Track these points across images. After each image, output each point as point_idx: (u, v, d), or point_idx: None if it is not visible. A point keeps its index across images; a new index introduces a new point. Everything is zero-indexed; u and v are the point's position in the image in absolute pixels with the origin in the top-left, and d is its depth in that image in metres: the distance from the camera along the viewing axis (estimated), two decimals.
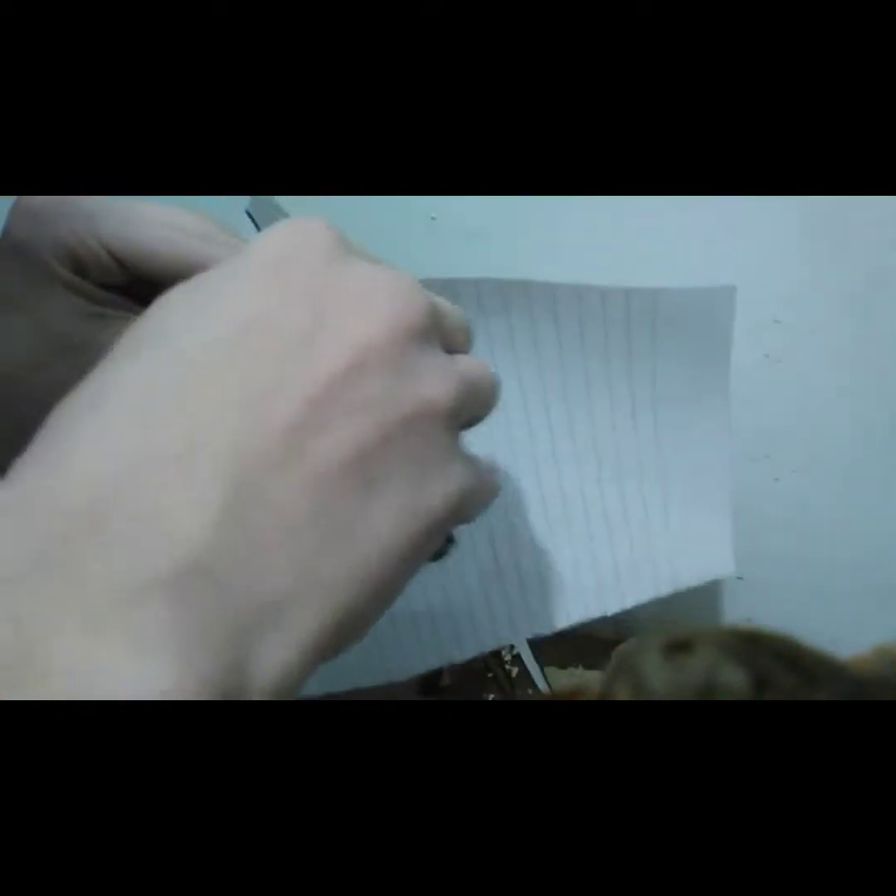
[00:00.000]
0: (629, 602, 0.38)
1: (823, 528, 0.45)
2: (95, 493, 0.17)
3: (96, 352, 0.31)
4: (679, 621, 0.49)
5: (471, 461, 0.23)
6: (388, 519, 0.20)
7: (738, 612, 0.47)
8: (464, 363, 0.23)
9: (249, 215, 0.38)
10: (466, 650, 0.36)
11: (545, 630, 0.37)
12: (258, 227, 0.37)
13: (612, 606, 0.38)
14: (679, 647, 0.19)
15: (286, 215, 0.38)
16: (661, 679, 0.18)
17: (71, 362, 0.30)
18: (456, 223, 0.45)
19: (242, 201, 0.38)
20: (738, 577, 0.48)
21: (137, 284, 0.32)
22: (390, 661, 0.36)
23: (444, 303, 0.24)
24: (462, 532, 0.34)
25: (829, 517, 0.45)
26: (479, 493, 0.23)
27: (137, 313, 0.32)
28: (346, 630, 0.19)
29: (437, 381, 0.22)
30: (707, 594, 0.50)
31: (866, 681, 0.18)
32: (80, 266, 0.30)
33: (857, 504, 0.44)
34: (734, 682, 0.18)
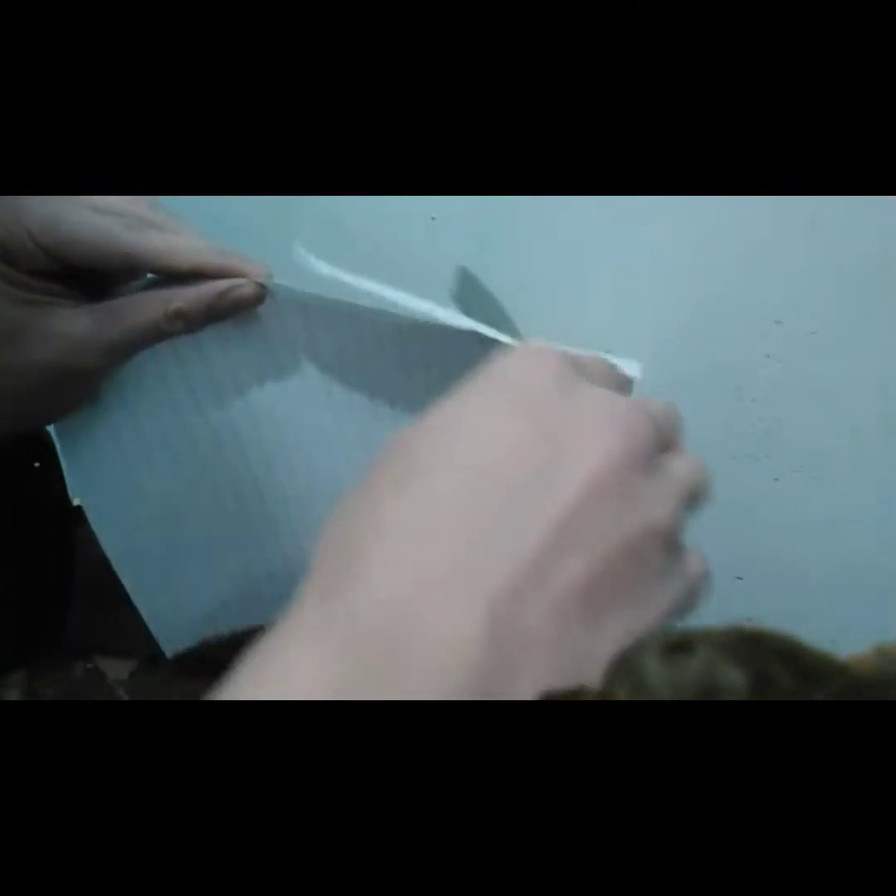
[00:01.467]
0: None
1: (823, 528, 0.45)
2: (390, 619, 0.20)
3: (33, 338, 0.32)
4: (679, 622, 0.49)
5: (690, 561, 0.25)
6: (617, 637, 0.22)
7: (738, 612, 0.47)
8: (682, 471, 0.25)
9: (455, 300, 0.38)
10: None
11: None
12: (463, 309, 0.37)
13: None
14: (679, 647, 0.19)
15: (496, 303, 0.38)
16: (660, 679, 0.18)
17: (6, 347, 0.32)
18: (456, 223, 0.45)
19: (243, 201, 0.38)
20: (738, 578, 0.48)
21: (69, 271, 0.32)
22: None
23: (658, 409, 0.26)
24: None
25: (829, 517, 0.45)
26: (697, 593, 0.25)
27: (70, 299, 0.34)
28: None
29: (660, 503, 0.24)
30: (707, 594, 0.50)
31: (866, 681, 0.18)
32: (8, 256, 0.31)
33: (857, 504, 0.44)
34: (734, 682, 0.18)
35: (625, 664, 0.19)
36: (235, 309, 0.34)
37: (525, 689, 0.20)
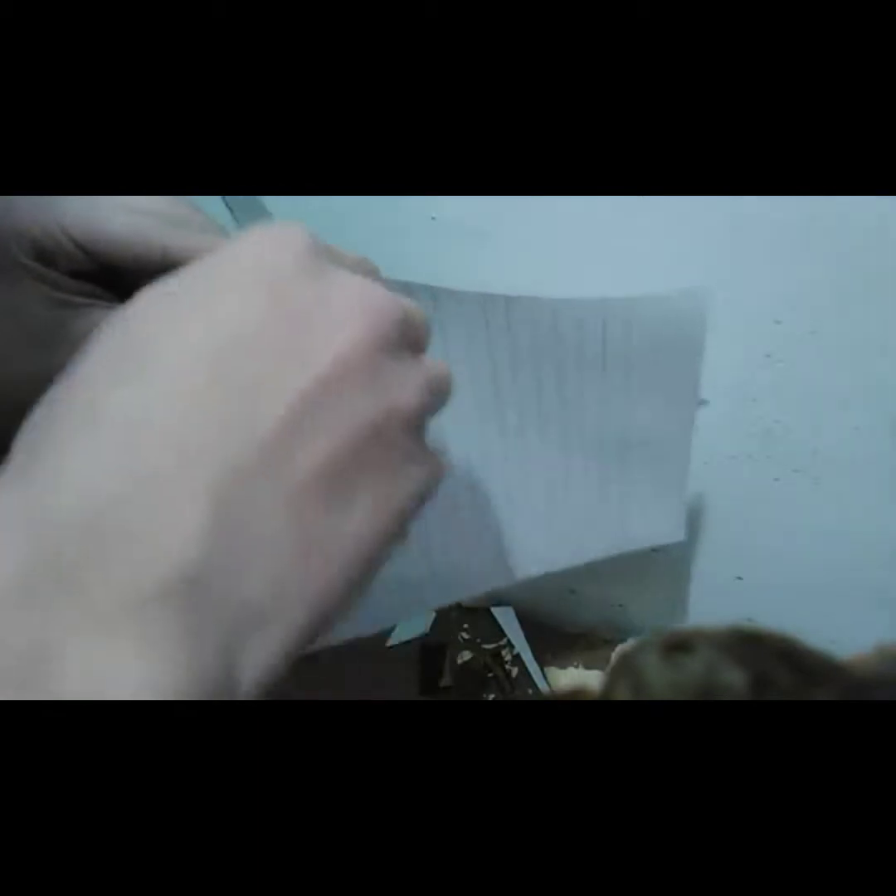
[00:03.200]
0: (580, 559, 0.42)
1: (823, 528, 0.45)
2: (91, 510, 0.18)
3: (68, 341, 0.31)
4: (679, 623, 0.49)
5: (432, 454, 0.24)
6: (360, 523, 0.21)
7: (738, 612, 0.47)
8: (427, 364, 0.24)
9: (227, 204, 0.38)
10: (430, 600, 0.40)
11: (502, 582, 0.40)
12: (235, 217, 0.37)
13: (562, 562, 0.42)
14: (679, 647, 0.19)
15: (263, 207, 0.38)
16: (661, 679, 0.18)
17: (41, 351, 0.31)
18: (456, 223, 0.45)
19: (244, 201, 0.38)
20: (738, 578, 0.48)
21: (107, 272, 0.32)
22: (357, 617, 0.39)
23: (410, 305, 0.25)
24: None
25: (828, 517, 0.45)
26: (438, 479, 0.24)
27: (108, 301, 0.33)
28: (323, 625, 0.20)
29: (405, 388, 0.23)
30: (707, 594, 0.50)
31: (866, 681, 0.18)
32: (45, 256, 0.30)
33: (857, 504, 0.44)
34: (734, 682, 0.18)
35: (625, 664, 0.19)
36: None
37: (256, 586, 0.19)
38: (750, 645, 0.19)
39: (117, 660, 0.17)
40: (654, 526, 0.43)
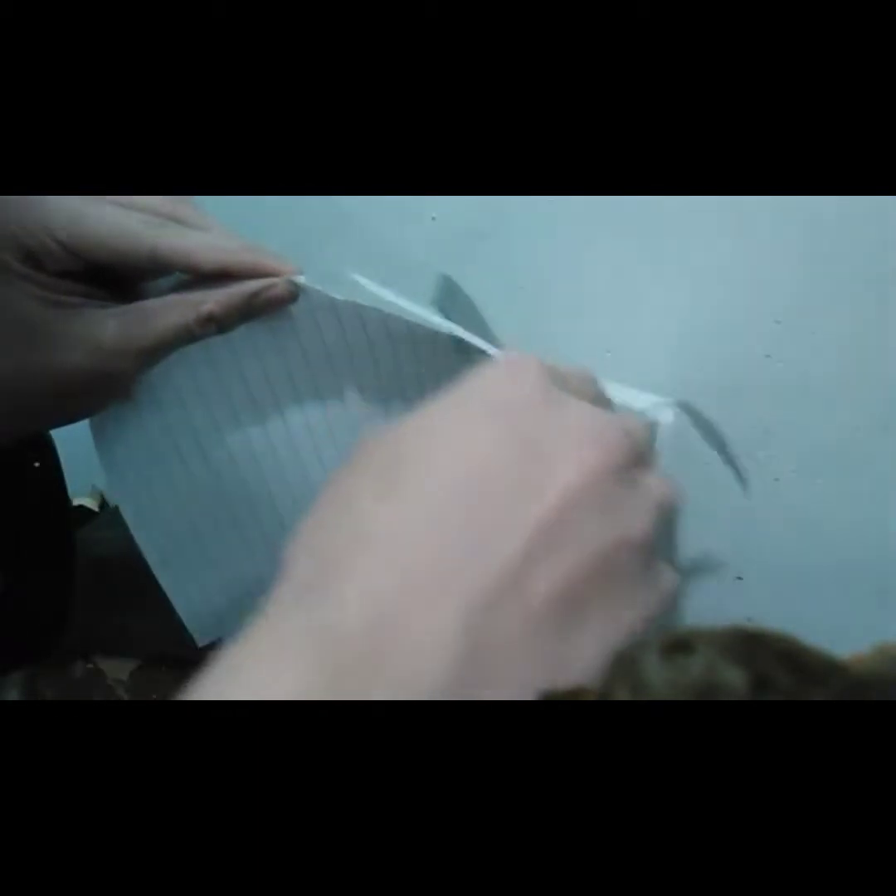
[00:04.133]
0: None
1: (823, 527, 0.45)
2: (367, 630, 0.20)
3: (61, 340, 0.31)
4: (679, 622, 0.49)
5: (662, 574, 0.25)
6: (590, 646, 0.22)
7: (738, 612, 0.47)
8: (655, 487, 0.26)
9: (440, 310, 0.38)
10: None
11: None
12: (447, 316, 0.38)
13: None
14: (679, 647, 0.19)
15: (475, 309, 0.38)
16: (660, 679, 0.18)
17: (33, 350, 0.31)
18: (456, 223, 0.45)
19: (243, 201, 0.38)
20: (738, 578, 0.48)
21: (97, 271, 0.32)
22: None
23: (634, 425, 0.26)
24: None
25: (829, 517, 0.45)
26: (669, 600, 0.26)
27: (100, 300, 0.33)
28: None
29: (635, 515, 0.24)
30: (707, 594, 0.49)
31: (866, 681, 0.18)
32: (32, 257, 0.30)
33: (858, 504, 0.44)
34: (734, 682, 0.18)
35: (625, 664, 0.19)
36: (268, 309, 0.34)
37: (499, 695, 0.20)
38: (750, 645, 0.19)
39: None
40: None
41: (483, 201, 0.43)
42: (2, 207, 0.30)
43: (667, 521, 0.26)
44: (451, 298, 0.38)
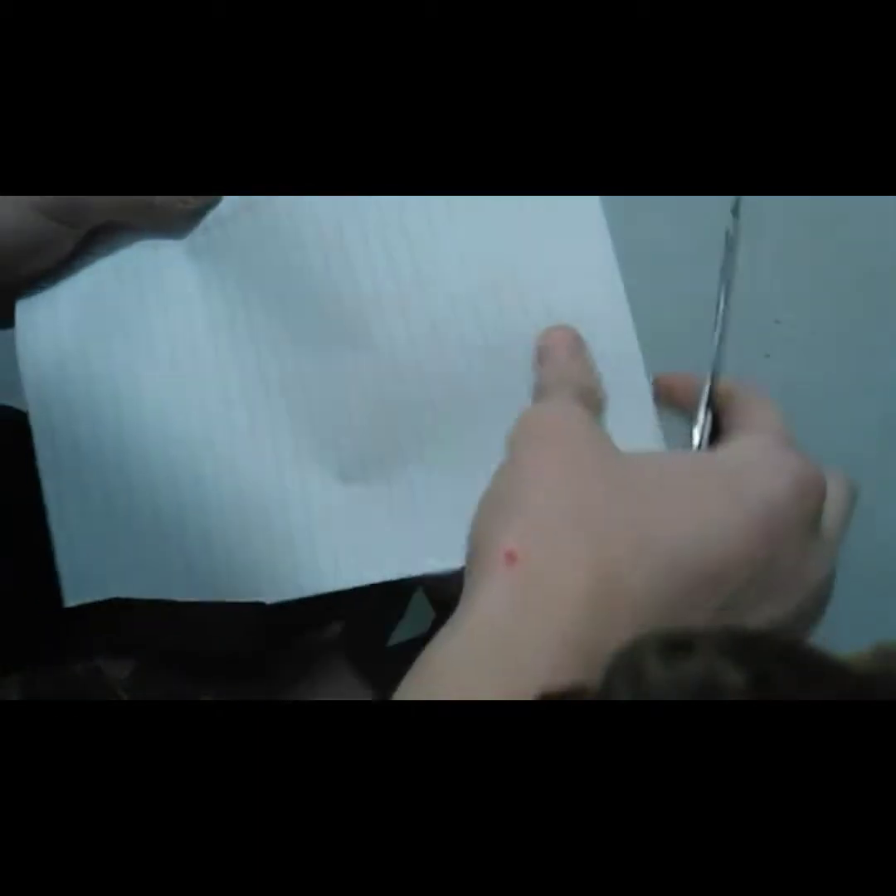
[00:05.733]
0: None
1: None
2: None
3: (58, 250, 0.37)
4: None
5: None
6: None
7: None
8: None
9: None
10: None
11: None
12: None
13: None
14: (679, 647, 0.19)
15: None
16: (660, 679, 0.18)
17: (36, 259, 0.37)
18: None
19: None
20: None
21: None
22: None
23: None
24: None
25: None
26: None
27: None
28: None
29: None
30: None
31: (866, 681, 0.18)
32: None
33: (857, 504, 0.44)
34: (734, 682, 0.18)
35: (624, 664, 0.19)
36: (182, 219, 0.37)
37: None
38: (750, 645, 0.19)
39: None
40: (627, 433, 0.40)
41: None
42: None
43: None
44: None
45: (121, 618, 0.46)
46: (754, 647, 0.19)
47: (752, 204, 0.38)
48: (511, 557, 0.23)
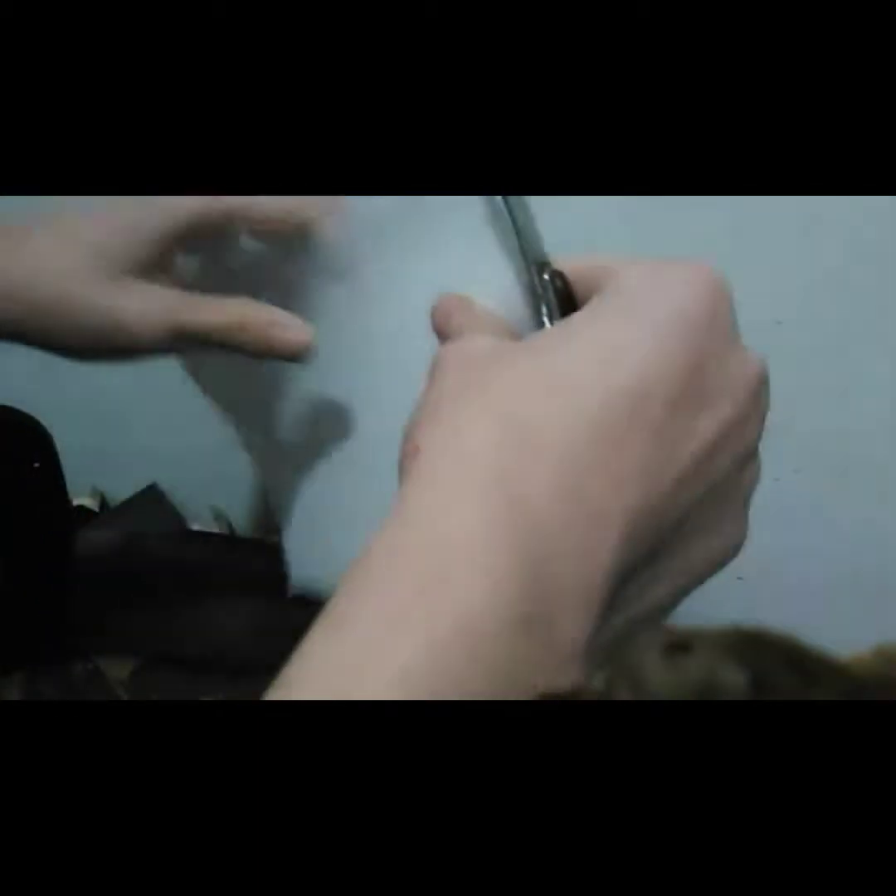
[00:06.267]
0: None
1: (823, 528, 0.45)
2: (547, 531, 0.21)
3: (121, 298, 0.34)
4: (679, 621, 0.49)
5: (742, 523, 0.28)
6: (689, 565, 0.26)
7: (738, 612, 0.47)
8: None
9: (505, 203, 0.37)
10: None
11: None
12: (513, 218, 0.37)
13: None
14: (679, 647, 0.19)
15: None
16: (660, 679, 0.18)
17: (77, 311, 0.34)
18: None
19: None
20: (738, 578, 0.48)
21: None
22: None
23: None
24: None
25: (829, 517, 0.45)
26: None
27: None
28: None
29: (757, 471, 0.26)
30: (707, 594, 0.49)
31: (866, 681, 0.18)
32: (135, 266, 0.34)
33: (857, 504, 0.44)
34: (734, 682, 0.18)
35: (625, 664, 0.19)
36: (276, 349, 0.37)
37: (654, 599, 0.24)
38: (750, 645, 0.19)
39: None
40: None
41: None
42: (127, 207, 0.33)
43: None
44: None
45: (121, 618, 0.46)
46: (754, 647, 0.19)
47: (753, 204, 0.38)
48: (416, 449, 0.23)
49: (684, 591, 0.26)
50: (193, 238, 0.36)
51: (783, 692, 0.18)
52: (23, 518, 0.44)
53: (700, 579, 0.26)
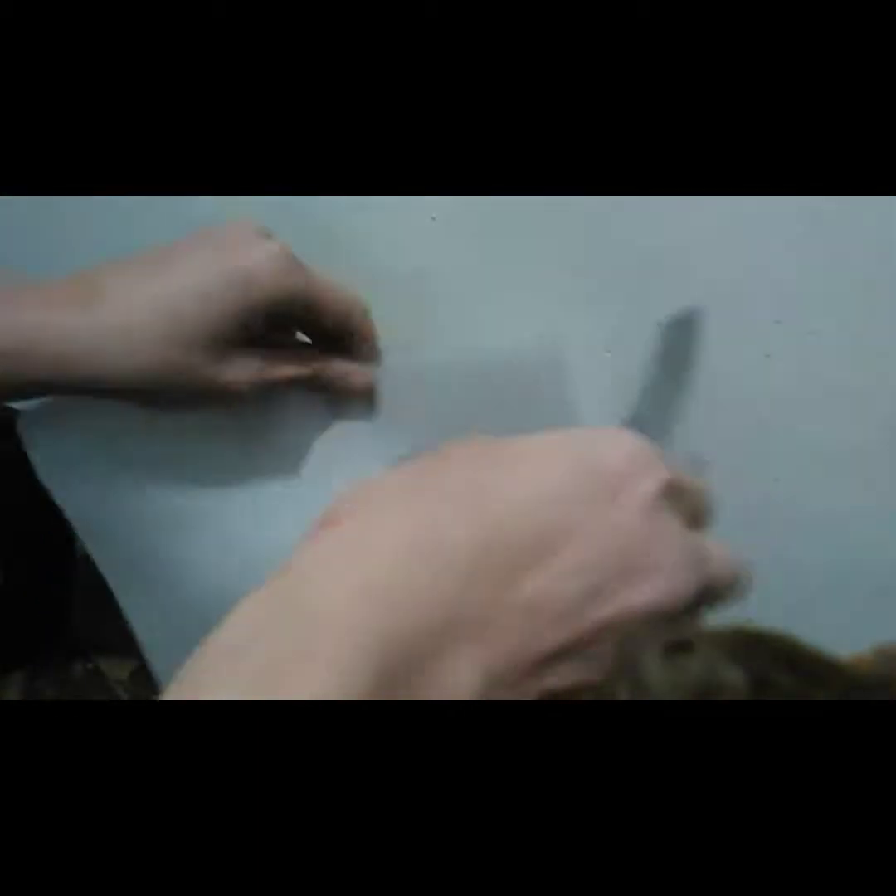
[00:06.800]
0: None
1: (823, 528, 0.45)
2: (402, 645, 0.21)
3: (200, 387, 0.37)
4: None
5: None
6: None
7: (738, 612, 0.47)
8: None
9: None
10: None
11: None
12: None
13: None
14: (679, 647, 0.19)
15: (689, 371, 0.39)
16: (661, 679, 0.18)
17: (174, 384, 0.36)
18: (456, 223, 0.45)
19: (242, 202, 0.38)
20: None
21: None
22: None
23: (721, 564, 0.27)
24: None
25: (828, 517, 0.45)
26: None
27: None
28: None
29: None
30: None
31: (866, 681, 0.18)
32: (280, 306, 0.36)
33: (857, 504, 0.44)
34: (734, 682, 0.18)
35: (625, 664, 0.19)
36: (345, 391, 0.40)
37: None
38: (750, 645, 0.19)
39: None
40: None
41: (483, 201, 0.43)
42: (283, 258, 0.36)
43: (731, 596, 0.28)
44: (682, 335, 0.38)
45: (121, 618, 0.46)
46: (754, 647, 0.19)
47: (753, 204, 0.38)
48: (333, 523, 0.23)
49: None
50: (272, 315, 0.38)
51: (783, 692, 0.18)
52: (23, 518, 0.44)
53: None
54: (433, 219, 0.45)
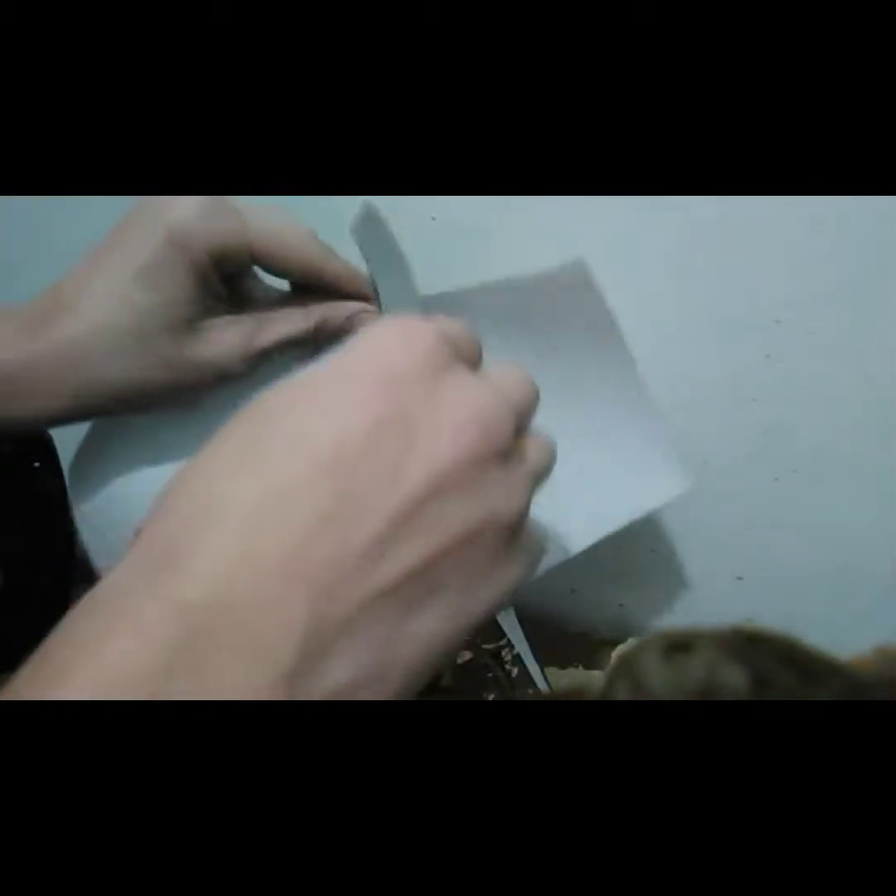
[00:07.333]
0: (594, 537, 0.40)
1: (823, 528, 0.45)
2: (216, 603, 0.20)
3: (199, 335, 0.34)
4: (679, 622, 0.49)
5: (527, 548, 0.25)
6: (431, 624, 0.22)
7: (738, 612, 0.47)
8: (533, 457, 0.25)
9: (357, 233, 0.38)
10: None
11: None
12: (363, 252, 0.37)
13: (578, 546, 0.40)
14: (679, 647, 0.19)
15: (396, 248, 0.38)
16: (661, 679, 0.18)
17: (175, 341, 0.34)
18: (456, 223, 0.45)
19: (240, 201, 0.38)
20: (738, 577, 0.48)
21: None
22: None
23: (519, 391, 0.25)
24: None
25: (828, 517, 0.45)
26: (532, 572, 0.25)
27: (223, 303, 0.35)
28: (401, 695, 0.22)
29: (507, 495, 0.23)
30: (707, 594, 0.50)
31: (866, 681, 0.18)
32: (222, 260, 0.33)
33: (857, 504, 0.44)
34: (734, 682, 0.18)
35: (625, 664, 0.19)
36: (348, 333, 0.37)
37: (339, 676, 0.20)
38: (750, 645, 0.19)
39: None
40: (656, 485, 0.41)
41: (483, 201, 0.43)
42: (209, 208, 0.33)
43: (540, 484, 0.25)
44: (372, 233, 0.37)
45: None
46: (754, 647, 0.19)
47: (753, 204, 0.38)
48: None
49: (462, 631, 0.23)
50: (221, 269, 0.35)
51: (783, 692, 0.18)
52: (23, 518, 0.44)
53: (490, 610, 0.23)
54: (433, 219, 0.45)
